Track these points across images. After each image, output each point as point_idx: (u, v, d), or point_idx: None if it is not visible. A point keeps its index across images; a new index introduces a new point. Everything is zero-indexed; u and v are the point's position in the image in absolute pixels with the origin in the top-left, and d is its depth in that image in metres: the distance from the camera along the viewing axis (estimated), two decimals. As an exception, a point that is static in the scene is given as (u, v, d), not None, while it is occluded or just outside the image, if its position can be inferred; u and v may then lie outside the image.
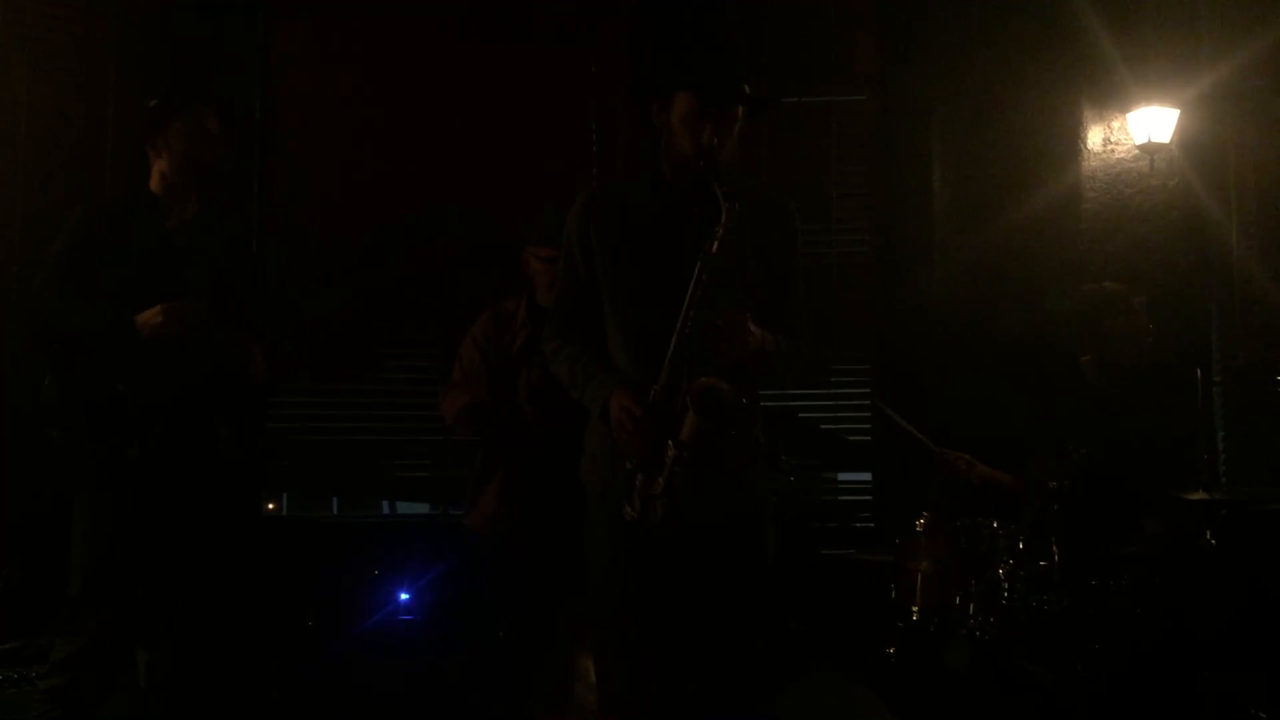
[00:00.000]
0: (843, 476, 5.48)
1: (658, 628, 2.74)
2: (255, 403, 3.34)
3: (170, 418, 3.11)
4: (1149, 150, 5.17)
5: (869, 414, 5.28)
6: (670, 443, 2.57)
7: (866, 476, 5.38)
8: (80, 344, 3.12)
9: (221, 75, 4.88)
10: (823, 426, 5.16)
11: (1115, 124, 5.26)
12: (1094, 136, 5.28)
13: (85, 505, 3.12)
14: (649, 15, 5.22)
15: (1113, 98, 5.22)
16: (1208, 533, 3.61)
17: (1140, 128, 5.16)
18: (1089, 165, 5.26)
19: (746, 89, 2.73)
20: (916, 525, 3.75)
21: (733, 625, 2.75)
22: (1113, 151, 5.27)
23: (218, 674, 3.28)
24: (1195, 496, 3.59)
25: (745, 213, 2.65)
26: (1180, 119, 5.13)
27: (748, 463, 2.81)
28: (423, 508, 5.67)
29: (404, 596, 4.32)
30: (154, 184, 3.30)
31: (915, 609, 3.70)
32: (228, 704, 3.35)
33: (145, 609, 3.15)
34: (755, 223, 2.73)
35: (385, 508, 6.19)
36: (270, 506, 5.46)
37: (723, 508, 2.72)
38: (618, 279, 2.79)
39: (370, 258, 3.18)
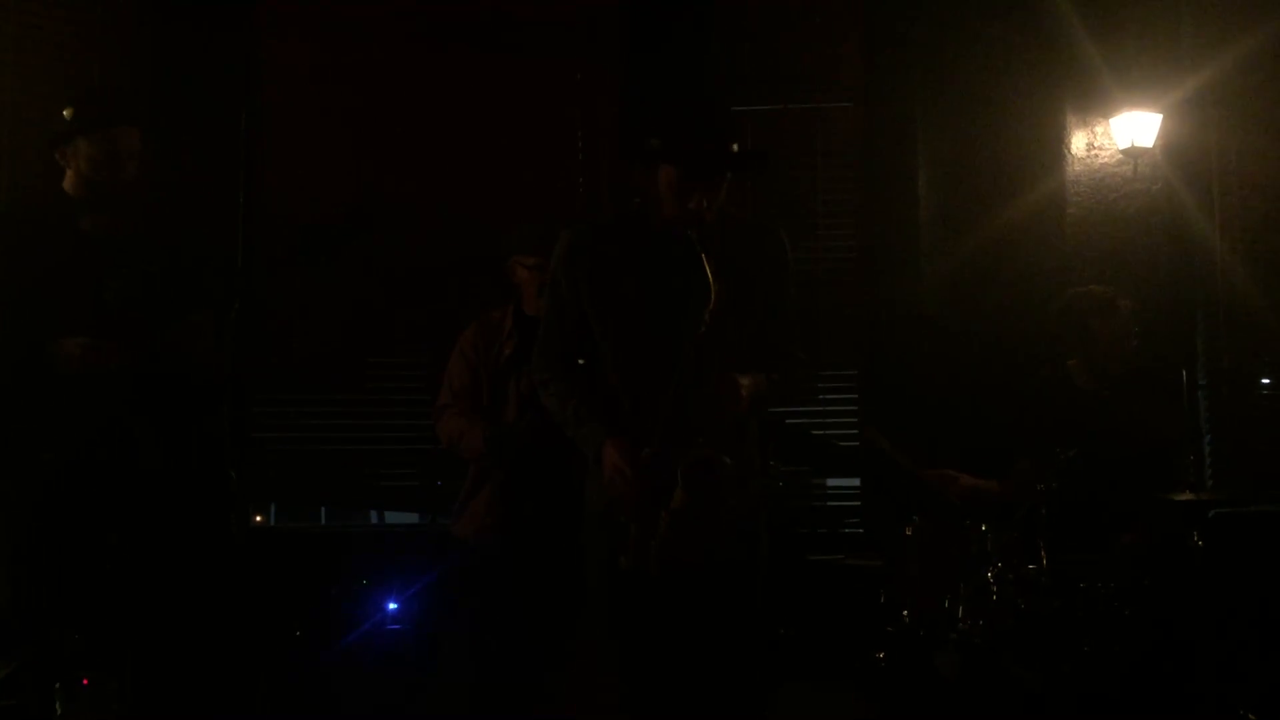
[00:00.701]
0: (831, 482, 5.48)
1: (653, 639, 2.74)
2: (190, 408, 3.22)
3: (89, 421, 3.01)
4: (1132, 155, 5.19)
5: (857, 420, 5.29)
6: (663, 512, 2.58)
7: (855, 482, 5.38)
8: None
9: (206, 86, 4.88)
10: (812, 433, 5.16)
11: (1098, 129, 5.28)
12: (1077, 141, 5.30)
13: (4, 516, 3.03)
14: (633, 77, 5.18)
15: (1096, 102, 5.24)
16: (1195, 534, 3.62)
17: (1123, 132, 5.18)
18: (1073, 170, 5.28)
19: (735, 147, 2.68)
20: (905, 530, 3.75)
21: (726, 640, 2.76)
22: (1096, 156, 5.29)
23: (195, 687, 3.20)
24: (1182, 498, 3.61)
25: (733, 250, 2.65)
26: (1163, 123, 5.15)
27: (744, 513, 2.79)
28: (411, 517, 5.66)
29: (392, 606, 4.31)
30: (67, 185, 3.24)
31: (905, 613, 3.70)
32: (214, 714, 3.32)
33: (83, 627, 3.05)
34: (744, 252, 2.73)
35: (373, 517, 6.18)
36: (258, 518, 5.44)
37: (719, 555, 2.70)
38: (611, 322, 2.78)
39: (299, 258, 3.11)
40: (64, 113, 3.23)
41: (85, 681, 3.22)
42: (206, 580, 3.27)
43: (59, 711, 3.14)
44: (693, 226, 2.61)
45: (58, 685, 3.07)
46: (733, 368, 2.65)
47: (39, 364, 2.97)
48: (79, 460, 3.01)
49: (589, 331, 2.81)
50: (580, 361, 2.85)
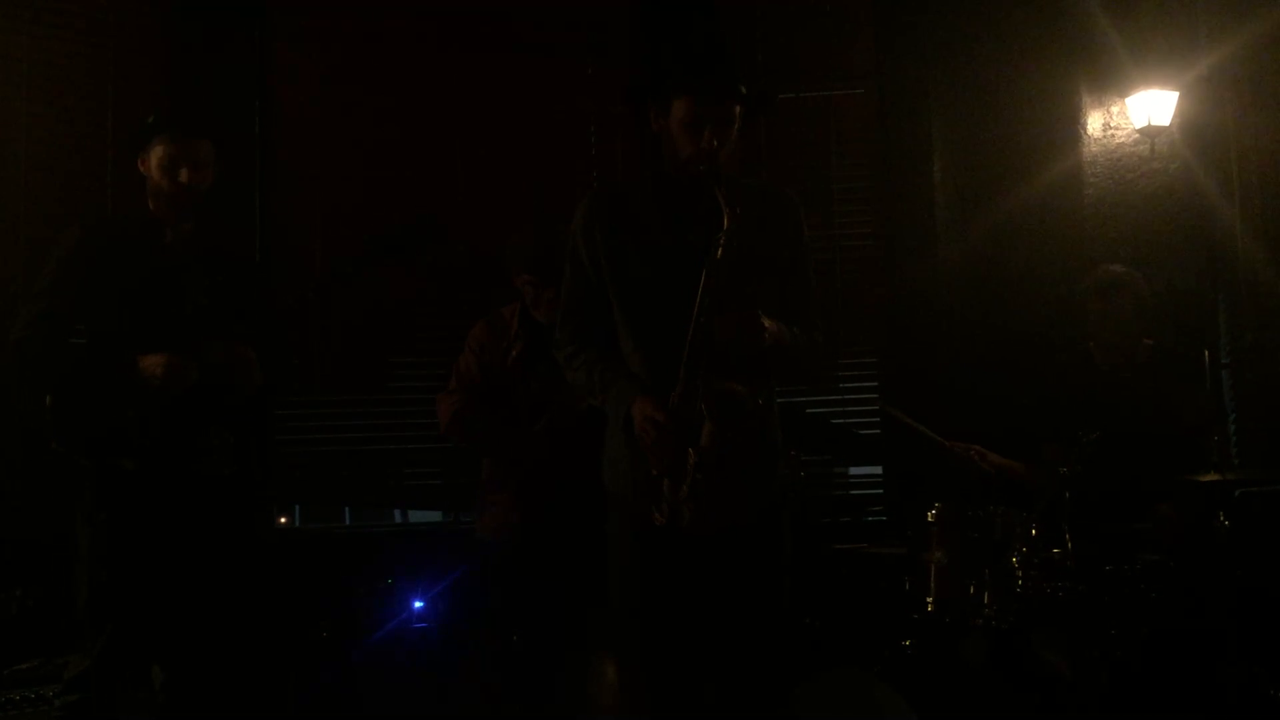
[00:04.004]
0: (853, 470, 5.47)
1: (677, 630, 2.74)
2: (251, 415, 3.33)
3: (166, 431, 3.11)
4: (1149, 134, 5.16)
5: (878, 407, 5.28)
6: (691, 450, 2.59)
7: (877, 470, 5.37)
8: (74, 368, 3.15)
9: (220, 93, 4.90)
10: (833, 421, 5.15)
11: (1114, 108, 5.25)
12: (1094, 121, 5.27)
13: (86, 521, 3.11)
14: (643, 23, 5.22)
15: (1111, 82, 5.21)
16: (1221, 514, 3.60)
17: (1140, 111, 5.14)
18: (1089, 150, 5.25)
19: (743, 89, 2.73)
20: (928, 516, 3.74)
21: (751, 629, 2.76)
22: (1113, 136, 5.26)
23: (233, 686, 3.28)
24: (1208, 478, 3.58)
25: (749, 209, 2.65)
26: (1180, 101, 5.11)
27: (768, 465, 2.82)
28: (435, 516, 5.68)
29: (418, 604, 4.32)
30: (150, 199, 3.32)
31: (930, 601, 3.69)
32: (244, 715, 3.36)
33: (153, 624, 3.16)
34: (759, 217, 2.74)
35: (397, 516, 6.20)
36: (283, 519, 5.47)
37: (746, 511, 2.72)
38: (626, 281, 2.80)
39: (361, 269, 3.18)
40: (145, 120, 3.32)
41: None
42: (245, 582, 3.36)
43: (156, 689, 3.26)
44: (706, 163, 2.65)
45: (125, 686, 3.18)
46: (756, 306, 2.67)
47: (127, 380, 3.07)
48: (161, 468, 3.11)
49: (609, 300, 2.83)
50: (602, 335, 2.86)
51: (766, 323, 2.65)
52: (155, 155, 3.25)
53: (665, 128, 2.75)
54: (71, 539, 3.16)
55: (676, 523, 2.64)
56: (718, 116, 2.69)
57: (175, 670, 3.23)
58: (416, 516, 6.04)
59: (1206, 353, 4.07)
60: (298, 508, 5.70)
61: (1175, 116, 5.13)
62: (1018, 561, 3.59)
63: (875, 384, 5.31)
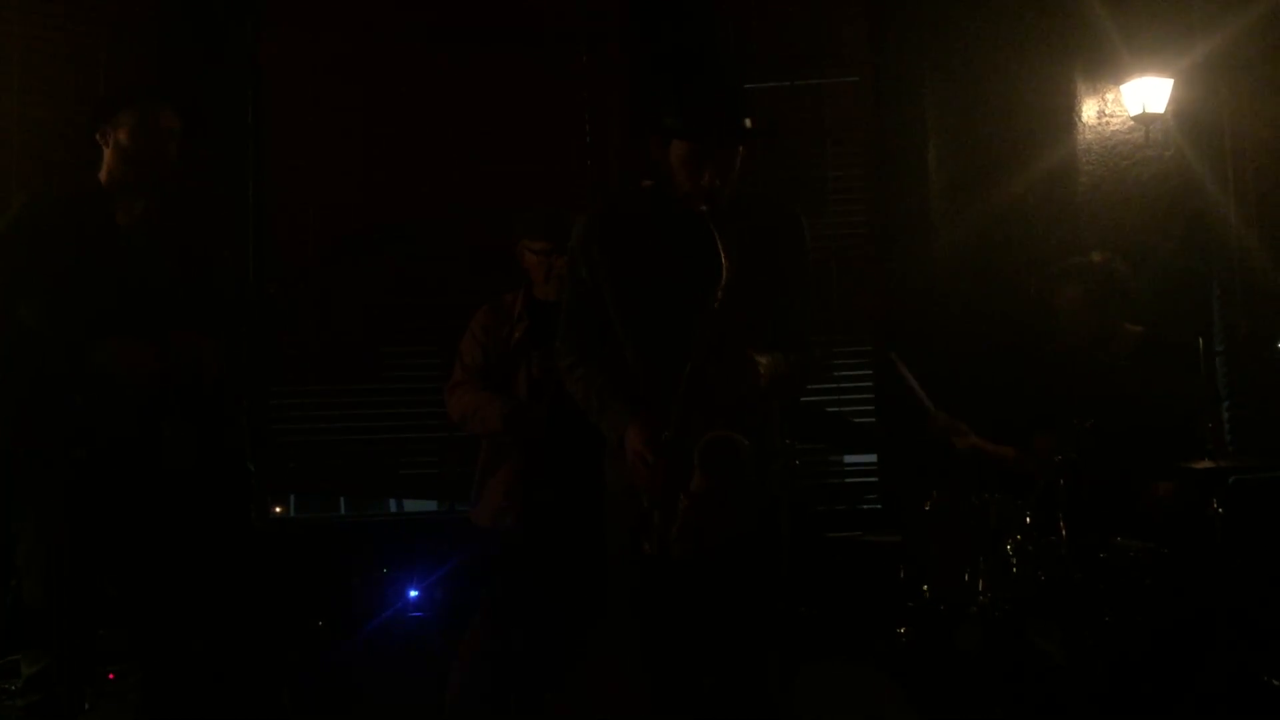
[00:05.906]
0: (848, 459, 5.47)
1: (675, 626, 2.74)
2: (211, 407, 3.23)
3: (120, 421, 3.02)
4: (1144, 121, 5.15)
5: (872, 396, 5.28)
6: (682, 494, 2.57)
7: (872, 458, 5.37)
8: (16, 341, 3.05)
9: (214, 83, 4.89)
10: (827, 410, 5.15)
11: (1109, 95, 5.24)
12: (1088, 108, 5.26)
13: (34, 513, 3.04)
14: (642, 50, 5.18)
15: (1106, 69, 5.20)
16: (1215, 501, 3.60)
17: (1134, 98, 5.14)
18: (1084, 138, 5.24)
19: (748, 123, 2.65)
20: (924, 505, 3.75)
21: (749, 627, 2.76)
22: (1107, 123, 5.25)
23: (217, 678, 3.23)
24: (1202, 465, 3.59)
25: (750, 230, 2.63)
26: (1174, 88, 5.11)
27: (764, 476, 2.79)
28: (430, 505, 5.68)
29: (413, 594, 4.33)
30: (102, 176, 3.23)
31: (925, 588, 3.69)
32: (238, 705, 3.34)
33: (111, 620, 3.10)
34: (761, 234, 2.71)
35: (392, 506, 6.20)
36: (278, 509, 5.47)
37: (741, 527, 2.70)
38: (626, 299, 2.78)
39: (327, 267, 3.13)
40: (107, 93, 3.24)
41: (110, 676, 3.25)
42: (230, 573, 3.29)
43: (88, 707, 3.18)
44: (706, 202, 2.60)
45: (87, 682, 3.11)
46: (751, 346, 2.64)
47: (78, 364, 2.98)
48: (109, 458, 3.01)
49: (609, 314, 2.81)
50: (602, 346, 2.84)
51: (761, 361, 2.62)
52: (126, 122, 3.17)
53: (665, 160, 2.68)
54: (9, 532, 3.08)
55: (666, 553, 2.63)
56: (720, 158, 2.62)
57: (149, 665, 3.16)
58: (412, 506, 6.04)
59: (1201, 339, 4.07)
60: (293, 498, 5.70)
61: (1170, 103, 5.12)
62: (1012, 549, 3.60)
63: (870, 373, 5.31)
